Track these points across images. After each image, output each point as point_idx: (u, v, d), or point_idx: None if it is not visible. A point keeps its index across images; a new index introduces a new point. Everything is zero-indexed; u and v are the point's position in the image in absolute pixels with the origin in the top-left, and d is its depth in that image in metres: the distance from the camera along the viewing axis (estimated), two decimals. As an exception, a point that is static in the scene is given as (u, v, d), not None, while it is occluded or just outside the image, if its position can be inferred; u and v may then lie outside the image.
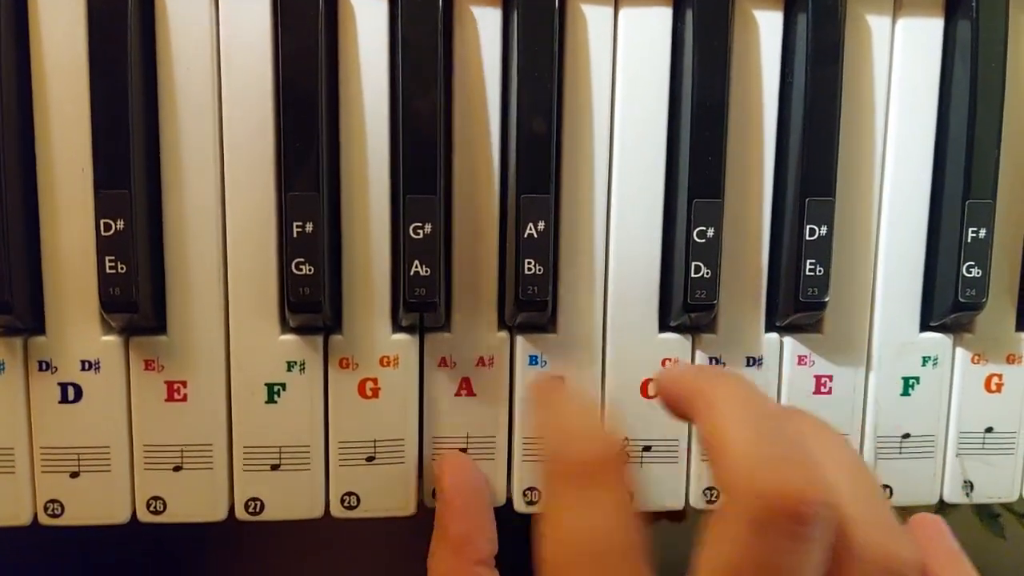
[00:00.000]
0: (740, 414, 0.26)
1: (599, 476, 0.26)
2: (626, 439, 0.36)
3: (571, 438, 0.28)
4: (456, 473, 0.35)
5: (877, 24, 0.34)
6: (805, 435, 0.26)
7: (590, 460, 0.27)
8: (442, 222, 0.33)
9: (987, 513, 0.56)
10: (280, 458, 0.35)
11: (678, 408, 0.29)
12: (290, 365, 0.34)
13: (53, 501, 0.34)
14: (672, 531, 0.52)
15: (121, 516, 0.35)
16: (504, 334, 0.35)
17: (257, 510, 0.35)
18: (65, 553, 0.45)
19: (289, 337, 0.34)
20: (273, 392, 0.34)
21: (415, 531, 0.37)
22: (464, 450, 0.36)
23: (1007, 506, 0.57)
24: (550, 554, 0.26)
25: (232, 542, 0.47)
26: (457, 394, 0.35)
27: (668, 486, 0.36)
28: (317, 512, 0.35)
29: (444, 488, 0.34)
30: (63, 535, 0.35)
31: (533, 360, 0.35)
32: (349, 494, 0.35)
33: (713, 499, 0.36)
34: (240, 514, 0.35)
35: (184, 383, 0.34)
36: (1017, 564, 0.57)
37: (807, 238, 0.34)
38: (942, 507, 0.54)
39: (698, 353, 0.36)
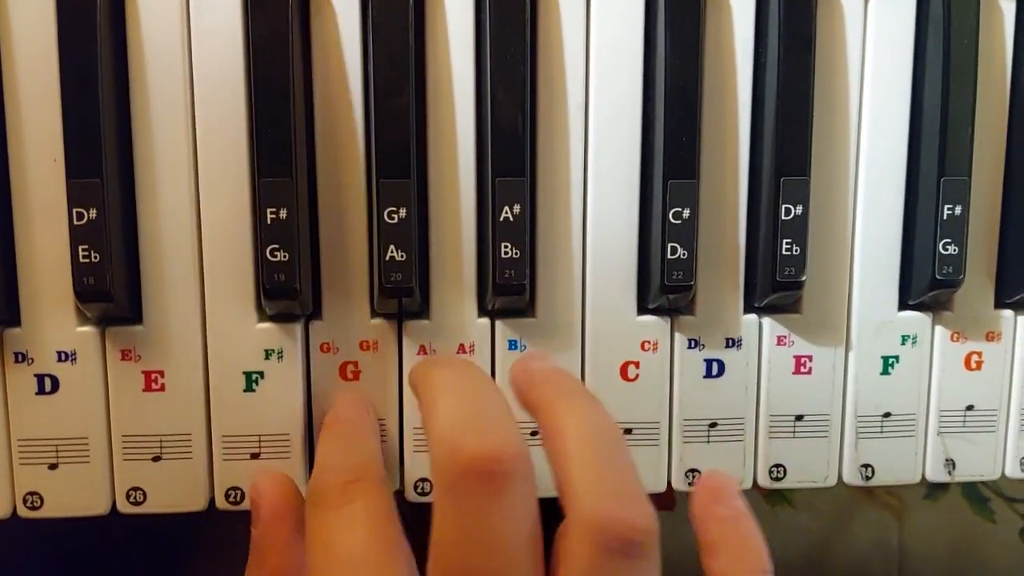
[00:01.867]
0: (448, 394, 0.27)
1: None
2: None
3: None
4: (275, 500, 0.31)
5: (849, 1, 0.34)
6: (543, 395, 0.29)
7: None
8: (417, 206, 0.33)
9: (977, 497, 0.57)
10: (260, 446, 0.35)
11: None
12: (268, 353, 0.34)
13: (32, 493, 0.34)
14: (662, 519, 0.52)
15: (101, 507, 0.34)
16: (484, 320, 0.35)
17: (238, 499, 0.35)
18: (48, 545, 0.45)
19: (266, 325, 0.34)
20: (251, 380, 0.34)
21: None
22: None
23: (997, 490, 0.57)
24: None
25: (220, 532, 0.47)
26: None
27: (650, 469, 0.36)
28: (300, 500, 0.35)
29: (261, 516, 0.31)
30: (45, 527, 0.35)
31: (513, 345, 0.35)
32: (332, 482, 0.35)
33: (694, 481, 0.36)
34: (221, 504, 0.35)
35: (161, 373, 0.34)
36: (1007, 548, 0.57)
37: (783, 218, 0.34)
38: (930, 488, 0.54)
39: (677, 335, 0.36)
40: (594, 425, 0.28)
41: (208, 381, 0.34)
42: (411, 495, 0.36)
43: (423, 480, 0.35)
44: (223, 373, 0.34)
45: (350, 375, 0.35)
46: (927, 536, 0.55)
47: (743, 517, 0.29)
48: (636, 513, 0.26)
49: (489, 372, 0.35)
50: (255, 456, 0.35)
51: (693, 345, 0.36)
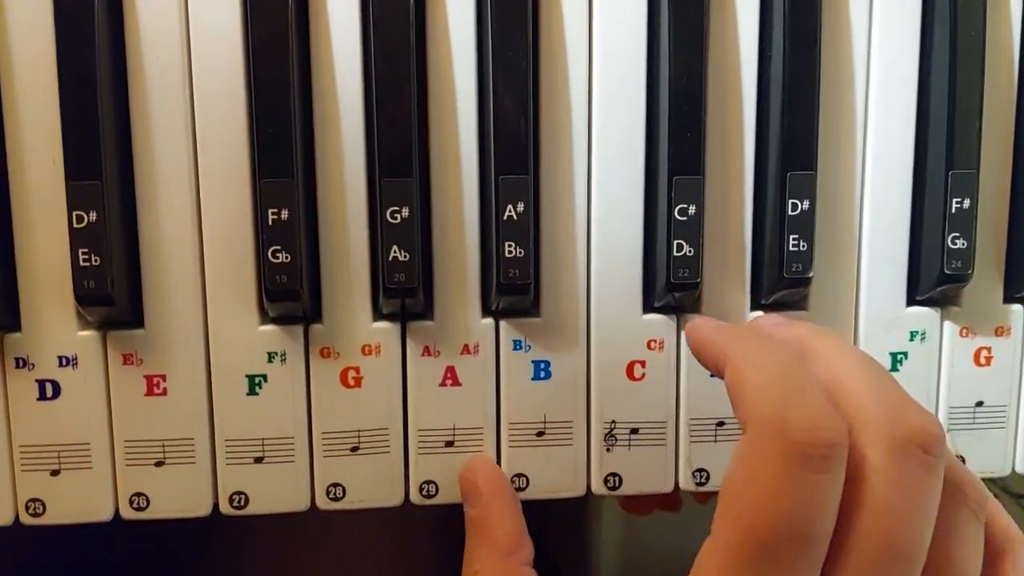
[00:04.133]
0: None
1: (826, 463, 0.26)
2: (613, 422, 0.35)
3: (803, 409, 0.26)
4: (490, 476, 0.34)
5: (855, -6, 0.34)
6: (816, 354, 0.29)
7: (825, 443, 0.26)
8: (419, 206, 0.32)
9: (984, 494, 0.56)
10: (263, 450, 0.34)
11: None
12: (271, 356, 0.34)
13: (34, 500, 0.34)
14: (669, 520, 0.52)
15: (104, 514, 0.34)
16: (488, 320, 0.35)
17: (242, 504, 0.35)
18: (52, 551, 0.45)
19: (269, 328, 0.34)
20: (254, 384, 0.34)
21: (403, 522, 0.37)
22: (451, 443, 0.35)
23: (1003, 487, 0.57)
24: (754, 526, 0.26)
25: (223, 537, 0.47)
26: (442, 384, 0.35)
27: (657, 469, 0.36)
28: (303, 504, 0.35)
29: (481, 492, 0.34)
30: (48, 533, 0.34)
31: (517, 345, 0.35)
32: (335, 485, 0.35)
33: (703, 481, 0.36)
34: (225, 508, 0.35)
35: (163, 377, 0.34)
36: (1016, 545, 0.57)
37: (789, 213, 0.33)
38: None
39: (683, 334, 0.35)
40: (856, 351, 0.30)
41: (211, 385, 0.34)
42: (416, 498, 0.35)
43: (428, 483, 0.35)
44: (226, 377, 0.34)
45: (351, 382, 0.34)
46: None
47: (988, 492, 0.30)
48: (928, 416, 0.27)
49: (494, 374, 0.35)
50: (259, 460, 0.34)
51: (699, 343, 0.35)
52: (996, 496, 0.56)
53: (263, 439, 0.34)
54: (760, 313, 0.36)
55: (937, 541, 0.27)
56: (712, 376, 0.35)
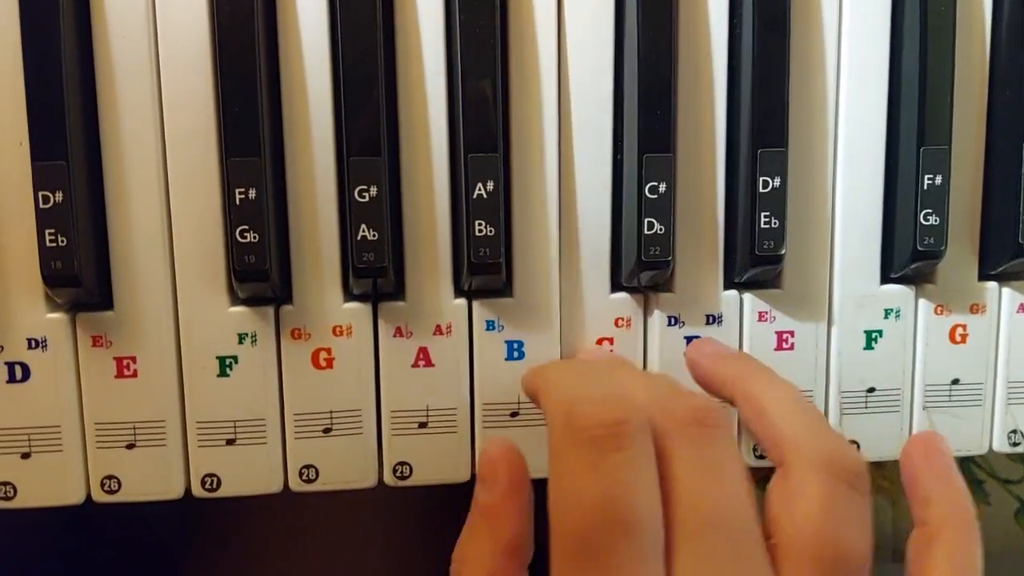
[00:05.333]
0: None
1: (615, 440, 0.26)
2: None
3: (582, 401, 0.27)
4: (515, 467, 0.30)
5: (824, -30, 0.34)
6: (739, 373, 0.32)
7: (604, 422, 0.26)
8: (388, 185, 0.32)
9: (971, 479, 0.56)
10: (235, 432, 0.34)
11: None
12: (241, 337, 0.34)
13: (4, 483, 0.34)
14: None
15: (75, 497, 0.34)
16: (461, 300, 0.35)
17: (214, 486, 0.34)
18: (26, 534, 0.45)
19: (239, 309, 0.34)
20: (225, 365, 0.34)
21: (375, 503, 0.36)
22: (424, 424, 0.35)
23: (991, 472, 0.57)
24: (569, 523, 0.26)
25: (200, 525, 0.47)
26: (415, 365, 0.35)
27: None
28: (276, 486, 0.35)
29: (500, 480, 0.30)
30: (20, 518, 0.34)
31: (490, 325, 0.35)
32: (307, 467, 0.35)
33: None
34: (197, 491, 0.34)
35: (133, 359, 0.33)
36: (1003, 530, 0.57)
37: (760, 190, 0.33)
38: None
39: (657, 312, 0.35)
40: (789, 390, 0.31)
41: (181, 367, 0.34)
42: (390, 479, 0.35)
43: (401, 464, 0.35)
44: (196, 358, 0.34)
45: (323, 363, 0.34)
46: (922, 519, 0.54)
47: (953, 469, 0.31)
48: (855, 452, 0.29)
49: (467, 354, 0.35)
50: (231, 442, 0.34)
51: (673, 322, 0.35)
52: (983, 481, 0.56)
53: (234, 421, 0.34)
54: (734, 292, 0.35)
55: (801, 515, 0.27)
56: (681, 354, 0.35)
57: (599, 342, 0.35)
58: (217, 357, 0.34)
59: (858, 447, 0.37)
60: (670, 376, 0.33)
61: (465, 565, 0.29)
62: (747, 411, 0.31)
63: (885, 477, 0.53)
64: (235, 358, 0.34)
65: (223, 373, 0.34)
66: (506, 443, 0.31)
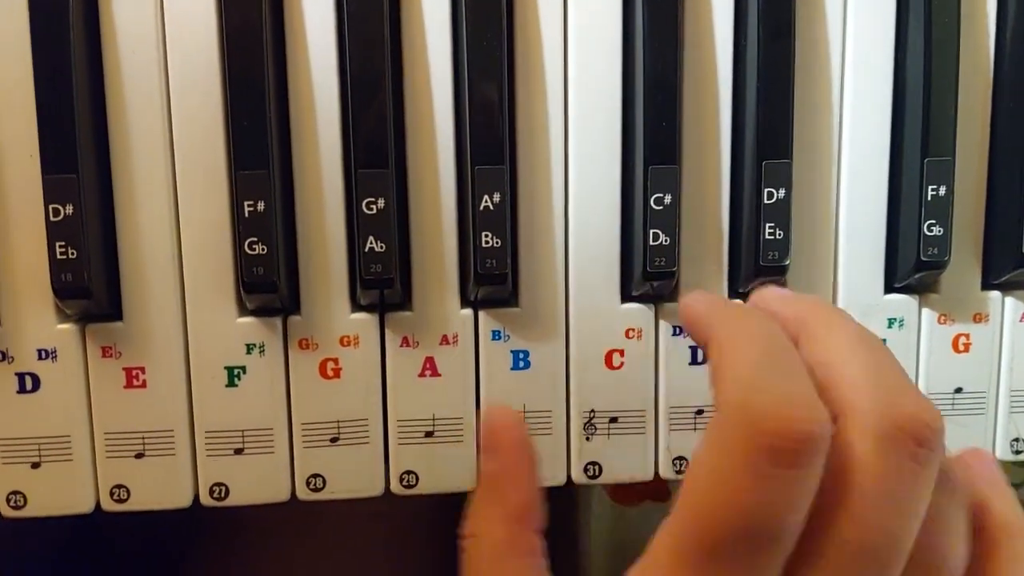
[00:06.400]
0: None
1: (796, 457, 0.23)
2: (593, 411, 0.36)
3: (774, 397, 0.24)
4: (513, 432, 0.30)
5: (829, -18, 0.34)
6: (814, 334, 0.27)
7: (797, 437, 0.23)
8: (395, 197, 0.32)
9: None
10: (243, 442, 0.34)
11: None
12: (249, 348, 0.34)
13: (15, 492, 0.34)
14: (658, 511, 0.52)
15: (85, 506, 0.34)
16: (467, 311, 0.35)
17: (222, 495, 0.35)
18: (33, 543, 0.45)
19: (247, 319, 0.34)
20: (233, 375, 0.34)
21: (383, 512, 0.37)
22: (431, 433, 0.35)
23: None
24: (708, 521, 0.24)
25: (204, 529, 0.47)
26: (421, 375, 0.35)
27: (637, 457, 0.36)
28: (283, 495, 0.35)
29: (500, 447, 0.30)
30: (34, 526, 0.34)
31: (496, 335, 0.35)
32: (315, 476, 0.35)
33: (683, 469, 0.36)
34: (205, 500, 0.35)
35: (143, 369, 0.34)
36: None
37: (765, 201, 0.33)
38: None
39: (661, 323, 0.35)
40: (861, 331, 0.28)
41: (190, 377, 0.34)
42: (397, 488, 0.35)
43: (408, 473, 0.35)
44: (205, 369, 0.34)
45: (330, 373, 0.34)
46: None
47: (1004, 479, 0.29)
48: (925, 406, 0.25)
49: (473, 364, 0.35)
50: (239, 452, 0.34)
51: (678, 332, 0.35)
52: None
53: (243, 430, 0.34)
54: (739, 301, 0.36)
55: (921, 530, 0.25)
56: (691, 364, 0.36)
57: (609, 353, 0.35)
58: (225, 367, 0.34)
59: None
60: (888, 352, 0.28)
61: (477, 537, 0.28)
62: (805, 349, 0.27)
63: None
64: (243, 368, 0.34)
65: (231, 383, 0.34)
66: (506, 411, 0.30)
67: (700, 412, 0.36)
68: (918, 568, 0.25)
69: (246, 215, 0.32)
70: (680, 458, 0.36)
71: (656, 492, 0.49)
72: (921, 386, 0.37)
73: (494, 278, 0.33)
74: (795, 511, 0.24)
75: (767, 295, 0.31)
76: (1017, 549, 0.28)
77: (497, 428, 0.30)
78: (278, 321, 0.34)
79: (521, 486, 0.29)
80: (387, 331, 0.35)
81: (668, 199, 0.33)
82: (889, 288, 0.36)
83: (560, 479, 0.36)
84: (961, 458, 0.30)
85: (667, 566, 0.24)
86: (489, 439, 0.30)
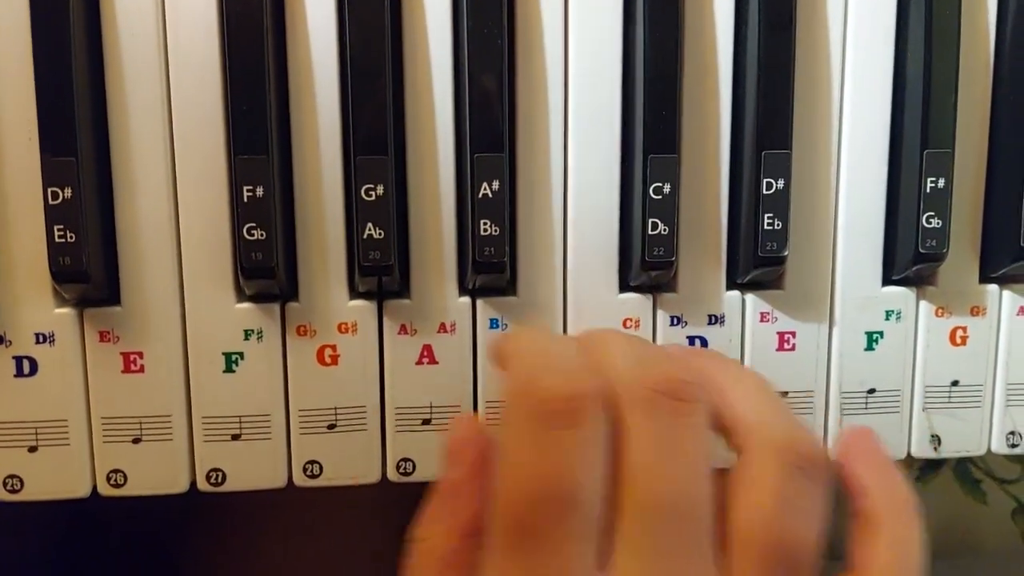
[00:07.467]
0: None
1: (571, 415, 0.25)
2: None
3: (545, 372, 0.26)
4: (475, 446, 0.30)
5: (830, -27, 0.34)
6: (705, 366, 0.30)
7: (565, 396, 0.26)
8: (395, 184, 0.32)
9: (968, 479, 0.57)
10: (240, 428, 0.35)
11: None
12: (247, 334, 0.34)
13: (12, 476, 0.34)
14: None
15: (82, 490, 0.34)
16: (465, 299, 0.35)
17: (219, 481, 0.35)
18: (29, 529, 0.45)
19: (246, 305, 0.34)
20: (231, 361, 0.34)
21: (380, 499, 0.37)
22: (428, 420, 0.35)
23: (988, 472, 0.57)
24: (510, 498, 0.25)
25: (198, 514, 0.47)
26: (419, 362, 0.35)
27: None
28: (280, 481, 0.35)
29: (467, 462, 0.29)
30: (25, 511, 0.34)
31: (494, 323, 0.35)
32: (311, 462, 0.35)
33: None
34: (202, 485, 0.35)
35: (140, 354, 0.34)
36: (1000, 530, 0.57)
37: (764, 192, 0.33)
38: (921, 470, 0.54)
39: (659, 313, 0.35)
40: (753, 376, 0.30)
41: (188, 362, 0.34)
42: (393, 475, 0.35)
43: (405, 460, 0.35)
44: (202, 354, 0.34)
45: (328, 359, 0.34)
46: (919, 518, 0.54)
47: (889, 461, 0.30)
48: (813, 439, 0.28)
49: (471, 352, 0.35)
50: (236, 438, 0.34)
51: (676, 322, 0.36)
52: (980, 480, 0.57)
53: (240, 416, 0.34)
54: (736, 293, 0.36)
55: (753, 503, 0.26)
56: (688, 355, 0.36)
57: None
58: (223, 353, 0.34)
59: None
60: (675, 347, 0.32)
61: (422, 543, 0.29)
62: (709, 396, 0.29)
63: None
64: (241, 354, 0.34)
65: (229, 369, 0.34)
66: (474, 423, 0.31)
67: (697, 402, 0.36)
68: (768, 551, 0.26)
69: (245, 200, 0.32)
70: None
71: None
72: (917, 379, 0.37)
73: (492, 266, 0.33)
74: (585, 471, 0.25)
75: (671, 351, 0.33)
76: (896, 533, 0.28)
77: (464, 439, 0.30)
78: (276, 307, 0.34)
79: (475, 503, 0.29)
80: (385, 318, 0.35)
81: (667, 188, 0.33)
82: (887, 280, 0.36)
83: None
84: (846, 444, 0.31)
85: (491, 550, 0.26)
86: (454, 448, 0.30)
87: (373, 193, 0.32)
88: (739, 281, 0.36)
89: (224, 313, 0.34)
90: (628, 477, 0.26)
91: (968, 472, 0.56)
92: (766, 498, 0.26)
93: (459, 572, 0.28)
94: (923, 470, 0.56)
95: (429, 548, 0.28)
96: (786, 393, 0.36)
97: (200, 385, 0.34)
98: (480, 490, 0.29)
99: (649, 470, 0.26)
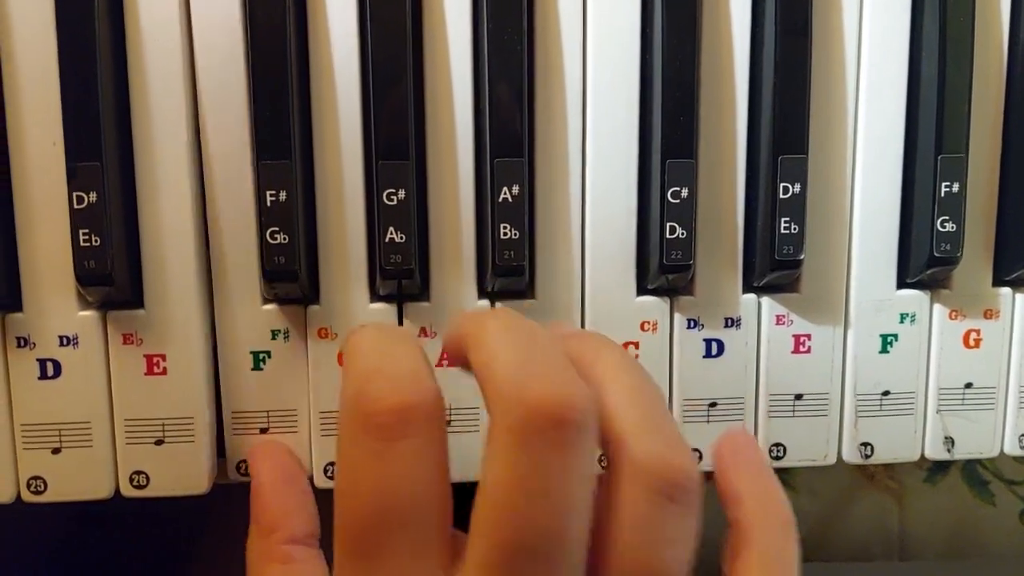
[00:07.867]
0: (506, 341, 0.25)
1: (401, 427, 0.24)
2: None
3: (374, 381, 0.25)
4: (264, 458, 0.34)
5: (846, -22, 0.35)
6: (583, 352, 0.27)
7: (392, 408, 0.24)
8: (415, 188, 0.33)
9: (977, 480, 0.57)
10: (268, 422, 0.35)
11: (456, 357, 0.28)
12: (275, 333, 0.34)
13: (36, 478, 0.34)
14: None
15: (104, 491, 0.35)
16: (484, 302, 0.35)
17: (246, 471, 0.35)
18: (52, 529, 0.45)
19: (272, 306, 0.34)
20: (259, 360, 0.34)
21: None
22: (448, 422, 0.36)
23: (997, 473, 0.57)
24: (346, 516, 0.24)
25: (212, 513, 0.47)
26: (439, 364, 0.35)
27: (650, 449, 0.36)
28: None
29: (252, 474, 0.34)
30: (48, 511, 0.35)
31: (512, 326, 0.35)
32: (332, 464, 0.35)
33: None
34: (232, 475, 0.35)
35: (163, 356, 0.34)
36: (1008, 531, 0.57)
37: (781, 196, 0.34)
38: (930, 471, 0.55)
39: (676, 315, 0.36)
40: (635, 380, 0.27)
41: (211, 363, 0.34)
42: (320, 480, 0.35)
43: (331, 464, 0.35)
44: (230, 354, 0.34)
45: (350, 359, 0.35)
46: (927, 519, 0.55)
47: (765, 469, 0.29)
48: (685, 459, 0.25)
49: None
50: (263, 431, 0.35)
51: (692, 325, 0.36)
52: (989, 482, 0.57)
53: (267, 411, 0.35)
54: (752, 296, 0.36)
55: (616, 533, 0.24)
56: (705, 358, 0.36)
57: (624, 345, 0.35)
58: (251, 352, 0.34)
59: (872, 450, 0.37)
60: (557, 329, 0.29)
61: (248, 544, 0.32)
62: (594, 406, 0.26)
63: (892, 477, 0.54)
64: (268, 353, 0.34)
65: (256, 367, 0.34)
66: (259, 443, 0.34)
67: (713, 404, 0.36)
68: None
69: (268, 204, 0.32)
70: (693, 450, 0.36)
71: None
72: (931, 381, 0.37)
73: (512, 270, 0.33)
74: (418, 485, 0.24)
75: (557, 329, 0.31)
76: (769, 544, 0.27)
77: (253, 452, 0.34)
78: (301, 308, 0.34)
79: (269, 502, 0.33)
80: (405, 321, 0.35)
81: (685, 193, 0.33)
82: (901, 283, 0.36)
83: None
84: (721, 450, 0.30)
85: (337, 564, 0.25)
86: (249, 462, 0.35)
87: (395, 197, 0.32)
88: (755, 284, 0.36)
89: (252, 313, 0.34)
90: (482, 514, 0.23)
91: (976, 473, 0.57)
92: (629, 528, 0.24)
93: (268, 564, 0.31)
94: (932, 471, 0.56)
95: (249, 547, 0.32)
96: (800, 396, 0.37)
97: (228, 384, 0.35)
98: (272, 491, 0.33)
99: (507, 509, 0.23)
